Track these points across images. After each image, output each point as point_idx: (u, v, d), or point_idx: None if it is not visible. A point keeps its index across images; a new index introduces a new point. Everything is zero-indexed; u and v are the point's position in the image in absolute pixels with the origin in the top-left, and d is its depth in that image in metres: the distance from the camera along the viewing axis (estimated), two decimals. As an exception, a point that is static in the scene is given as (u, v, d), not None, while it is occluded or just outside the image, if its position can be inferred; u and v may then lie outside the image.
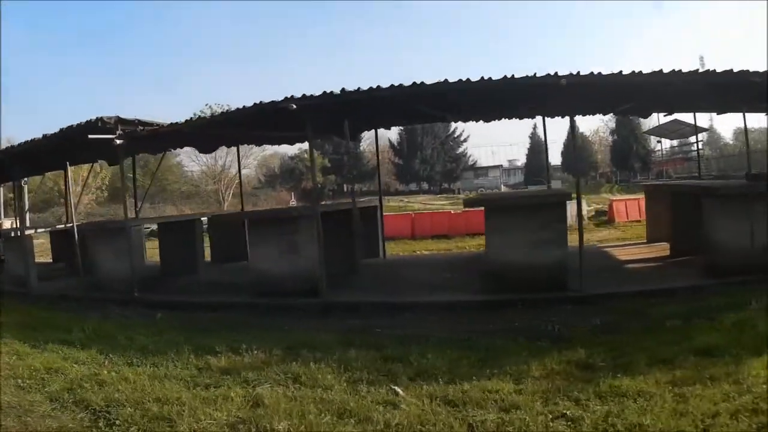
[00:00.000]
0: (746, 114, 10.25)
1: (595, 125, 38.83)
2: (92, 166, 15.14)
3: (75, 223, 9.90)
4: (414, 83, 6.26)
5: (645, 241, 11.03)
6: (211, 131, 8.62)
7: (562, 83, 6.09)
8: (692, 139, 33.15)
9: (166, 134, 9.00)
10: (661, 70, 6.33)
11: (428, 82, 6.20)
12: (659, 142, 33.01)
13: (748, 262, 6.57)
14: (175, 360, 4.68)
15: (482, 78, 6.13)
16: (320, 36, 76.43)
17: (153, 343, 5.29)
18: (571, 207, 15.62)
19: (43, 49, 65.13)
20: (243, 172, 35.89)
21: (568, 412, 3.24)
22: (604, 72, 6.31)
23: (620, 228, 14.55)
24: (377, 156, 12.54)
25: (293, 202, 30.52)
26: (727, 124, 67.04)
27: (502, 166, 38.24)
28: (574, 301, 6.21)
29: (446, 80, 6.17)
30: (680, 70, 6.34)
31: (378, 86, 6.41)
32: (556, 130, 65.75)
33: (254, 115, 7.52)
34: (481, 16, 78.60)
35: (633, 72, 6.35)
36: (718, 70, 6.46)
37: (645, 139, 35.27)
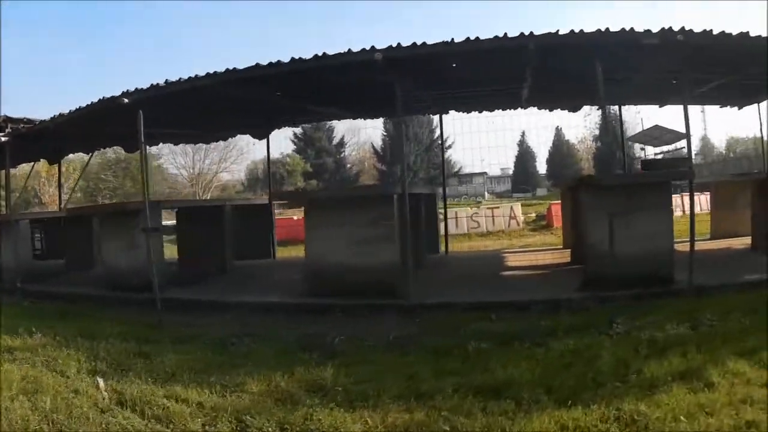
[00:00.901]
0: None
1: (581, 133, 38.19)
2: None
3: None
4: (227, 69, 5.95)
5: (562, 246, 10.49)
6: (71, 129, 8.51)
7: (377, 58, 5.40)
8: (678, 145, 32.39)
9: (51, 130, 9.03)
10: (505, 35, 5.47)
11: (240, 67, 5.89)
12: (643, 149, 32.11)
13: (630, 272, 5.59)
14: (-17, 337, 5.05)
15: (292, 59, 5.68)
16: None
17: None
18: (512, 209, 15.39)
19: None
20: (223, 175, 36.44)
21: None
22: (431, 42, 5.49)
23: (555, 233, 14.02)
24: (267, 158, 12.05)
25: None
26: (722, 133, 64.35)
27: (486, 173, 37.61)
28: (401, 310, 5.58)
29: (257, 64, 5.85)
30: (531, 33, 5.43)
31: (196, 75, 6.19)
32: (546, 136, 64.20)
33: (103, 111, 7.37)
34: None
35: (467, 39, 5.46)
36: (587, 31, 5.33)
37: (629, 146, 34.40)
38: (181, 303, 6.67)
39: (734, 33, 5.46)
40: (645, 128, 29.31)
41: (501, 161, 45.43)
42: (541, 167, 43.72)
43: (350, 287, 5.92)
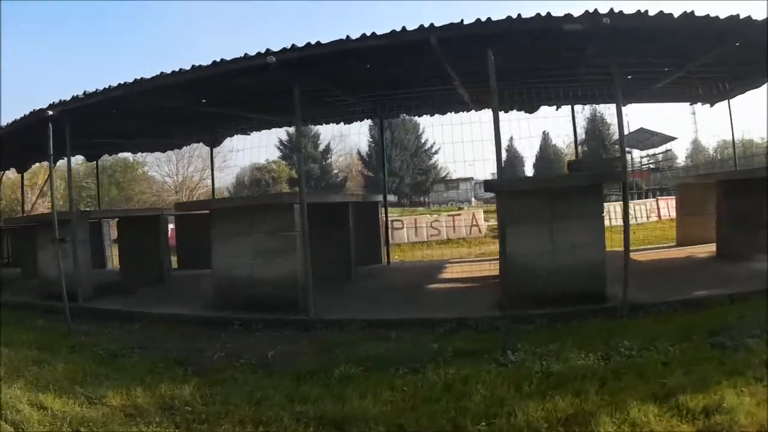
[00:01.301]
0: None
1: (570, 138, 38.08)
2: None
3: None
4: (135, 79, 6.04)
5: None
6: (16, 141, 8.58)
7: (269, 62, 5.13)
8: (662, 148, 32.45)
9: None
10: (403, 28, 5.00)
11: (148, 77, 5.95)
12: (629, 152, 32.09)
13: (553, 288, 5.06)
14: None
15: (193, 66, 5.67)
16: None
17: None
18: (474, 216, 15.25)
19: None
20: (208, 182, 36.45)
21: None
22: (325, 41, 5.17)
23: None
24: (212, 167, 12.02)
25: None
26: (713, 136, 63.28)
27: (472, 178, 37.46)
28: (299, 326, 5.40)
29: (162, 73, 5.86)
30: (431, 25, 5.02)
31: (109, 86, 6.27)
32: (535, 141, 63.65)
33: (37, 123, 7.42)
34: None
35: (363, 36, 5.09)
36: (495, 19, 4.82)
37: (616, 150, 34.45)
38: (102, 313, 6.81)
39: (676, 14, 4.75)
40: (631, 131, 29.13)
41: (487, 156, 45.08)
42: (530, 172, 43.61)
43: (254, 300, 5.82)
